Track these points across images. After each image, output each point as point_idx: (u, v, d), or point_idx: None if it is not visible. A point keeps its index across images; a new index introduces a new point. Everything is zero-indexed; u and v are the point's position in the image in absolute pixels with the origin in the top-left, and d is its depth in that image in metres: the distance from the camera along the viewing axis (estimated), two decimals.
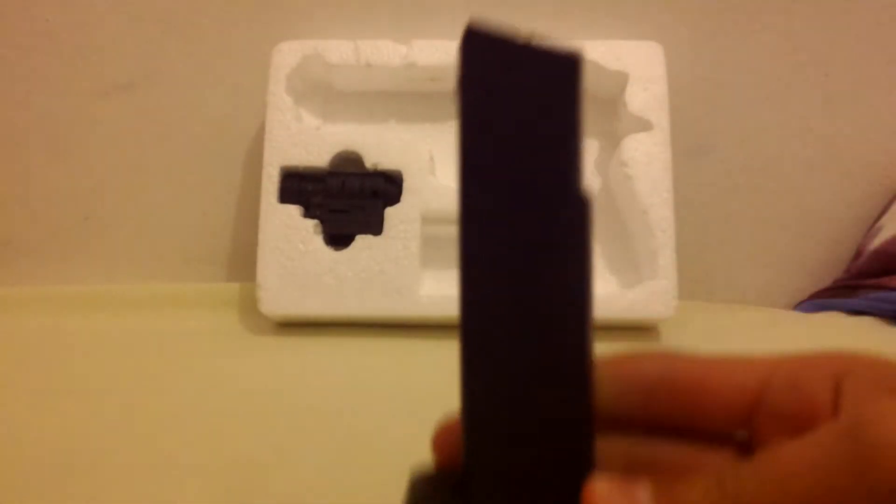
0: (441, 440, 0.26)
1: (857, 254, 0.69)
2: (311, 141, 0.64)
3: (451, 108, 0.73)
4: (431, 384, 0.56)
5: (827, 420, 0.20)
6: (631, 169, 0.62)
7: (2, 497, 0.42)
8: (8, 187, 0.73)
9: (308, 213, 0.63)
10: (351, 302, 0.61)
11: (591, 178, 0.66)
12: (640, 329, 0.61)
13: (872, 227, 0.69)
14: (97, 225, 0.73)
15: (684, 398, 0.23)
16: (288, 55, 0.65)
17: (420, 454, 0.47)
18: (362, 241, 0.62)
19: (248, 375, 0.57)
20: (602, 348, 0.24)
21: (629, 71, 0.64)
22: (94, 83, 0.72)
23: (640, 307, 0.59)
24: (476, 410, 0.23)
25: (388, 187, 0.63)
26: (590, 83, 0.66)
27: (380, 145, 0.63)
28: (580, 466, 0.22)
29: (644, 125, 0.63)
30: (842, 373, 0.21)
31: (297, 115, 0.65)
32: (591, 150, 0.67)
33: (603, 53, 0.64)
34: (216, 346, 0.62)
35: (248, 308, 0.64)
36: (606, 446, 0.22)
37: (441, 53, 0.64)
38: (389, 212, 0.62)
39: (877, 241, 0.66)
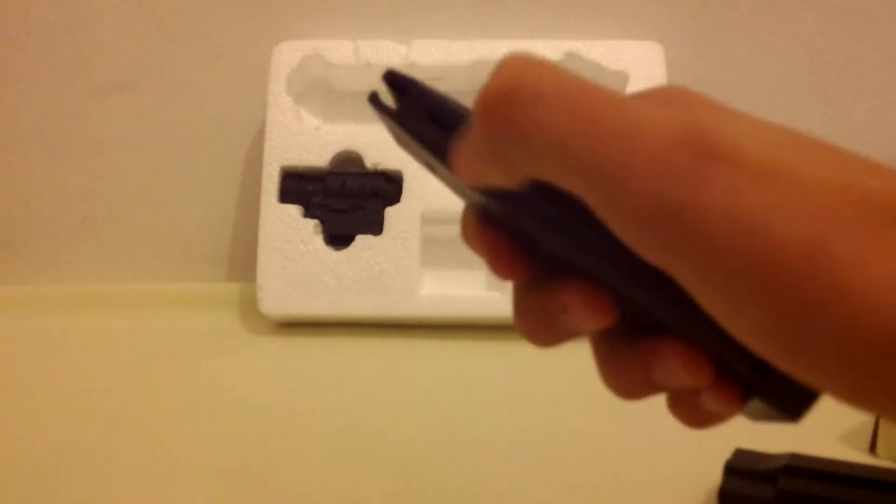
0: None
1: None
2: (311, 141, 0.64)
3: None
4: (431, 384, 0.56)
5: None
6: None
7: (2, 497, 0.42)
8: (8, 187, 0.73)
9: (308, 213, 0.63)
10: (351, 302, 0.61)
11: None
12: None
13: None
14: (97, 225, 0.73)
15: None
16: (288, 55, 0.65)
17: (419, 453, 0.47)
18: (362, 241, 0.62)
19: (248, 375, 0.57)
20: None
21: (629, 71, 0.64)
22: (94, 83, 0.72)
23: None
24: None
25: (388, 187, 0.63)
26: None
27: (380, 145, 0.63)
28: None
29: None
30: None
31: (297, 115, 0.65)
32: None
33: (603, 53, 0.64)
34: (216, 346, 0.62)
35: (248, 308, 0.64)
36: None
37: (441, 53, 0.64)
38: (389, 212, 0.62)
39: None
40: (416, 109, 0.22)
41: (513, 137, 0.18)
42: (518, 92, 0.18)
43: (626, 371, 0.21)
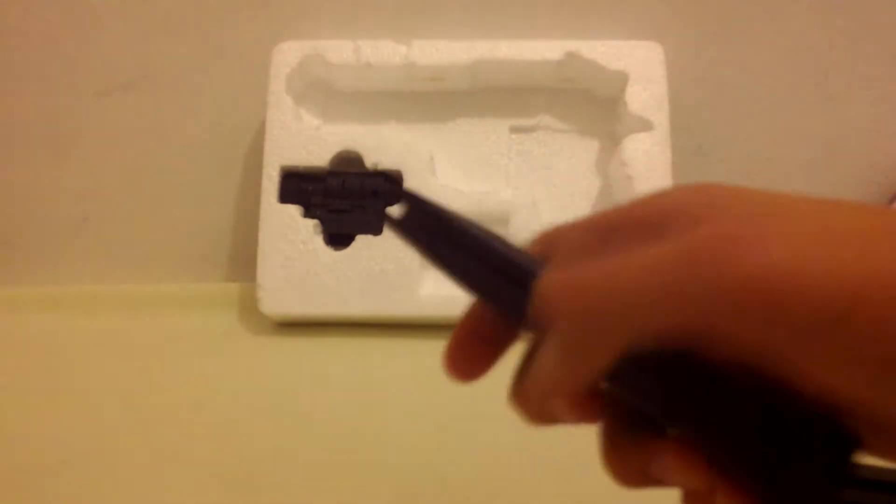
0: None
1: None
2: (311, 141, 0.64)
3: (452, 108, 0.74)
4: (431, 384, 0.56)
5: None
6: (631, 169, 0.62)
7: (2, 497, 0.42)
8: (8, 187, 0.73)
9: (308, 213, 0.63)
10: (351, 302, 0.61)
11: (592, 178, 0.66)
12: None
13: None
14: (97, 225, 0.73)
15: None
16: (288, 55, 0.65)
17: (419, 453, 0.47)
18: (362, 241, 0.62)
19: (248, 375, 0.57)
20: None
21: (629, 71, 0.64)
22: (94, 83, 0.72)
23: None
24: None
25: (388, 187, 0.63)
26: (590, 83, 0.67)
27: (380, 145, 0.63)
28: None
29: (644, 125, 0.63)
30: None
31: (297, 115, 0.65)
32: (591, 150, 0.67)
33: (603, 53, 0.64)
34: (216, 346, 0.62)
35: (248, 308, 0.64)
36: None
37: (441, 53, 0.64)
38: (389, 212, 0.62)
39: None
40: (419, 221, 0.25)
41: (589, 322, 0.21)
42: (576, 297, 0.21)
43: (625, 460, 0.23)
